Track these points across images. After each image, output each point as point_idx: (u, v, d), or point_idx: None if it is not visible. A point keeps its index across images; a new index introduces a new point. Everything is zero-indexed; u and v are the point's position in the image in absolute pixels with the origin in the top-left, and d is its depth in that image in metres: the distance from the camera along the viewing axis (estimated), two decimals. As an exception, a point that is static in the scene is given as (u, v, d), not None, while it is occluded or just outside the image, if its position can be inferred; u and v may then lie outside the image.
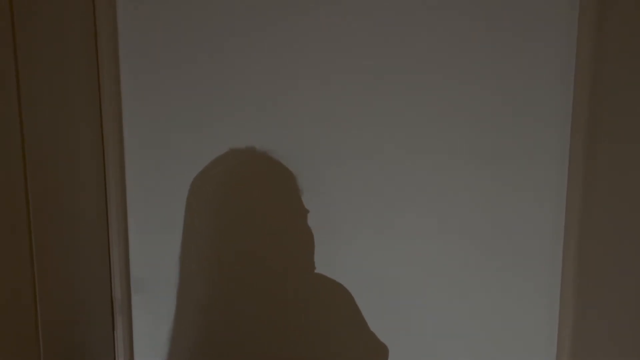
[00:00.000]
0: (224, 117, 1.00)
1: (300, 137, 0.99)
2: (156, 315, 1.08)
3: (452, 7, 0.92)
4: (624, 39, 0.88)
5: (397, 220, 1.00)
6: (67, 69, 0.93)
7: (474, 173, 0.97)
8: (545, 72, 0.92)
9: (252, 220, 1.02)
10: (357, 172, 0.99)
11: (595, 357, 0.95)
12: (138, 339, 1.10)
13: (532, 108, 0.94)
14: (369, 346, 1.03)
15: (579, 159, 0.92)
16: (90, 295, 1.02)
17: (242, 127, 1.00)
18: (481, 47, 0.93)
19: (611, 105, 0.90)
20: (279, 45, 0.96)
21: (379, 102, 0.96)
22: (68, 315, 0.95)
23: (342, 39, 0.95)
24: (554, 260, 0.97)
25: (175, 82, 1.00)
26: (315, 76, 0.96)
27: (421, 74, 0.94)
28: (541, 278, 0.98)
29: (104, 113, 1.01)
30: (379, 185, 0.99)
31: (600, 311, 0.95)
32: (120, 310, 1.07)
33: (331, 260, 1.02)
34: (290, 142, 0.99)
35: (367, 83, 0.96)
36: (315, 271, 1.02)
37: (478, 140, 0.95)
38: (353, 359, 1.04)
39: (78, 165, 0.97)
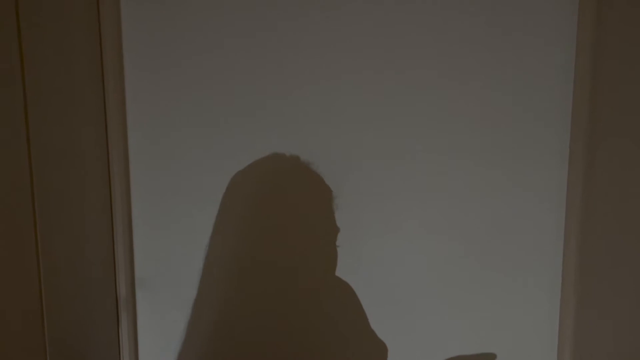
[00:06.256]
0: (228, 115, 1.00)
1: (306, 139, 0.99)
2: (161, 312, 1.09)
3: (453, 8, 0.93)
4: (623, 37, 0.88)
5: (399, 221, 1.00)
6: (72, 68, 0.94)
7: (475, 173, 0.97)
8: (545, 71, 0.92)
9: (265, 223, 1.03)
10: (363, 173, 0.99)
11: (596, 358, 0.96)
12: (143, 336, 1.11)
13: (533, 107, 0.94)
14: (369, 344, 1.03)
15: (579, 158, 0.93)
16: (95, 292, 1.03)
17: (247, 126, 1.00)
18: (482, 48, 0.93)
19: (611, 103, 0.90)
20: (282, 45, 0.97)
21: (379, 103, 0.97)
22: (73, 312, 0.96)
23: (347, 40, 0.96)
24: (554, 260, 0.98)
25: (180, 81, 1.01)
26: (320, 78, 0.97)
27: (422, 75, 0.95)
28: (542, 278, 0.98)
29: (109, 112, 1.02)
30: (383, 186, 0.99)
31: (601, 311, 0.95)
32: (125, 307, 1.08)
33: (338, 260, 1.03)
34: (295, 143, 1.00)
35: (370, 85, 0.96)
36: (322, 270, 1.03)
37: (479, 140, 0.96)
38: (352, 356, 1.05)
39: (83, 164, 0.98)
